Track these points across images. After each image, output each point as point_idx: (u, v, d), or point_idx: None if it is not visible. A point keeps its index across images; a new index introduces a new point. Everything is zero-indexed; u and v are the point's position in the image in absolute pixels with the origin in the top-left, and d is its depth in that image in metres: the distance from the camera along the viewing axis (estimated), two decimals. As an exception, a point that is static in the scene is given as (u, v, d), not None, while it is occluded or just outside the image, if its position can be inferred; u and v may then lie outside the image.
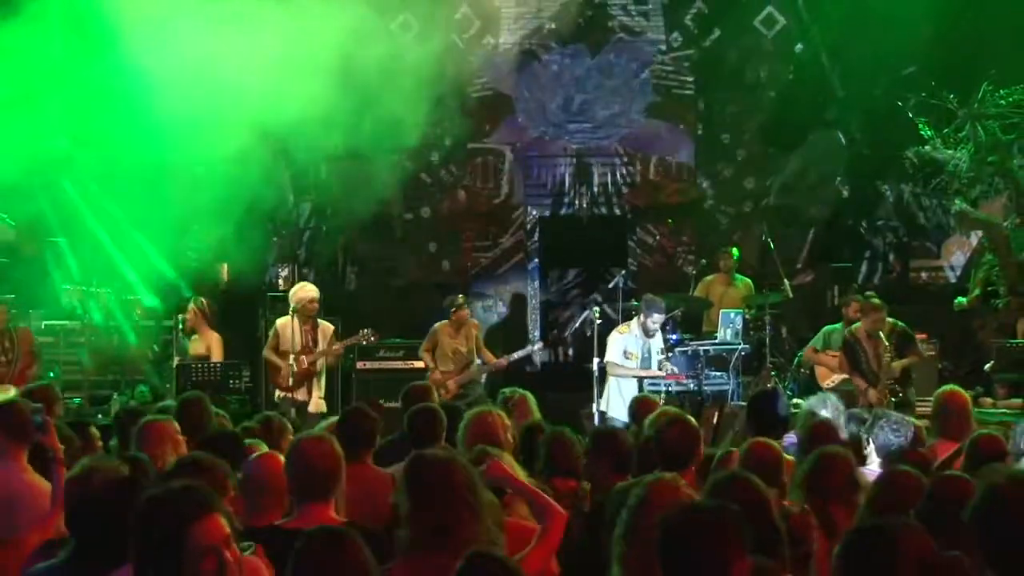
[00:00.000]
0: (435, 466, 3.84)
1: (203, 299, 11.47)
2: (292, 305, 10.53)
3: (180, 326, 11.30)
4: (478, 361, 11.00)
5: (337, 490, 4.31)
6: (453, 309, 11.07)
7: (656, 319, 10.43)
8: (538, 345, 12.31)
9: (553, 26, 15.21)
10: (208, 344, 11.03)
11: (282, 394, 10.44)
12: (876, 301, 10.09)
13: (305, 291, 10.62)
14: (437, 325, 11.16)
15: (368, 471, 5.41)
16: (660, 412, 6.20)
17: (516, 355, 11.31)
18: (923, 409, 8.56)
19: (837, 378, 10.49)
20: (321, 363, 10.57)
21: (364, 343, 11.12)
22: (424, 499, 3.74)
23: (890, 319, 9.96)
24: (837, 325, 10.95)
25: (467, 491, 3.76)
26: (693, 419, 5.56)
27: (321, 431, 5.23)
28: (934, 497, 3.86)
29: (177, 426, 5.58)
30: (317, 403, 10.37)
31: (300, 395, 10.33)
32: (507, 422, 5.62)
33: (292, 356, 10.31)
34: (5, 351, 10.69)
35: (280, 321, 10.69)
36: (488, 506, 3.86)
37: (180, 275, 13.30)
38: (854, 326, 10.12)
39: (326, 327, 10.65)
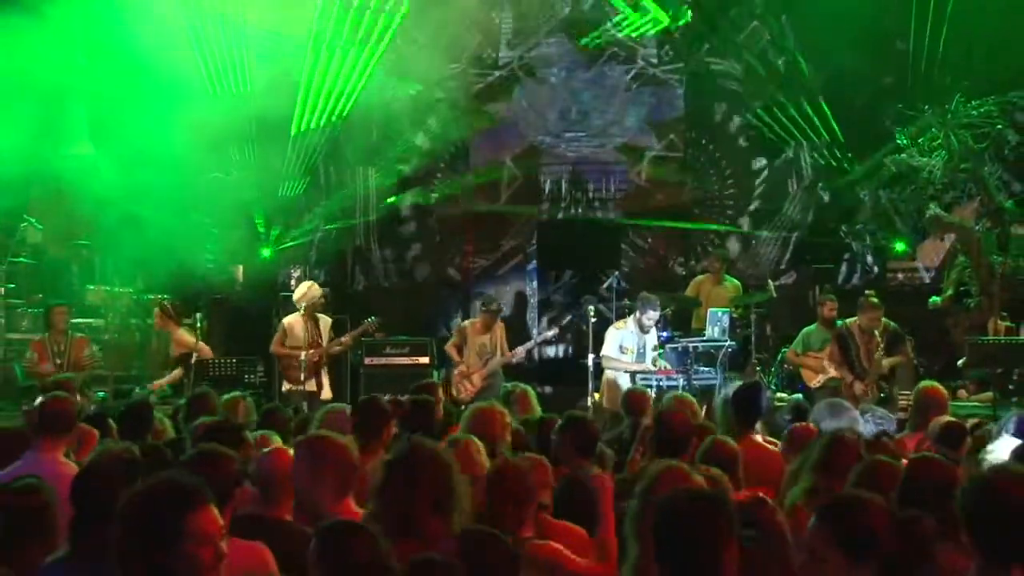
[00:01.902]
0: (410, 457, 3.73)
1: (165, 300, 11.52)
2: (304, 303, 10.58)
3: (200, 325, 11.29)
4: (497, 355, 11.05)
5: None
6: (483, 308, 11.20)
7: (651, 315, 10.47)
8: (551, 332, 12.24)
9: (550, 41, 15.25)
10: (179, 341, 11.09)
11: (291, 386, 10.46)
12: (875, 300, 10.09)
13: (315, 289, 10.76)
14: (466, 322, 11.36)
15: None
16: (636, 393, 6.29)
17: (524, 348, 11.36)
18: (905, 402, 8.59)
19: (822, 377, 10.48)
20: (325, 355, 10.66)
21: (370, 332, 11.15)
22: (386, 488, 3.64)
23: (883, 319, 10.00)
24: (812, 326, 10.96)
25: (431, 484, 3.62)
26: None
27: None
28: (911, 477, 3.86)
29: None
30: (328, 392, 10.43)
31: (310, 386, 10.38)
32: (507, 417, 5.61)
33: (304, 352, 10.36)
34: (60, 354, 10.70)
35: (287, 320, 10.72)
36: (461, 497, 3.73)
37: (198, 276, 13.35)
38: (849, 320, 10.13)
39: (325, 321, 10.76)
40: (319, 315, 10.71)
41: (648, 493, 3.44)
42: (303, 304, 10.56)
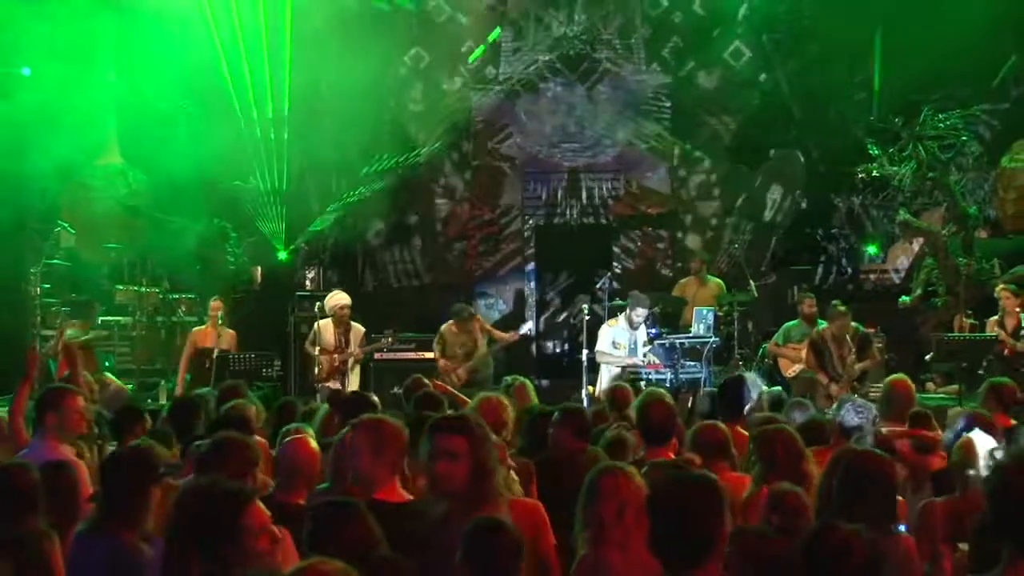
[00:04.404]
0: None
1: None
2: (326, 310, 10.65)
3: (220, 320, 11.25)
4: (483, 349, 10.94)
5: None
6: (454, 317, 11.02)
7: (640, 313, 10.46)
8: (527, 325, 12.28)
9: (547, 58, 15.23)
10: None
11: (319, 384, 10.54)
12: (842, 308, 10.05)
13: (337, 299, 10.74)
14: (443, 327, 11.06)
15: None
16: (645, 393, 6.26)
17: (522, 330, 11.46)
18: (875, 397, 8.54)
19: (797, 367, 10.49)
20: (351, 361, 10.64)
21: (385, 348, 11.13)
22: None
23: (852, 323, 9.96)
24: (794, 322, 10.95)
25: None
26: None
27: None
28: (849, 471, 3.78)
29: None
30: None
31: (333, 385, 10.38)
32: (510, 408, 5.58)
33: (321, 357, 10.46)
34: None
35: (321, 322, 10.74)
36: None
37: (219, 276, 13.34)
38: (821, 327, 10.08)
39: (358, 329, 10.72)
40: (353, 323, 10.69)
41: (591, 488, 3.47)
42: (328, 311, 10.64)
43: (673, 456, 4.94)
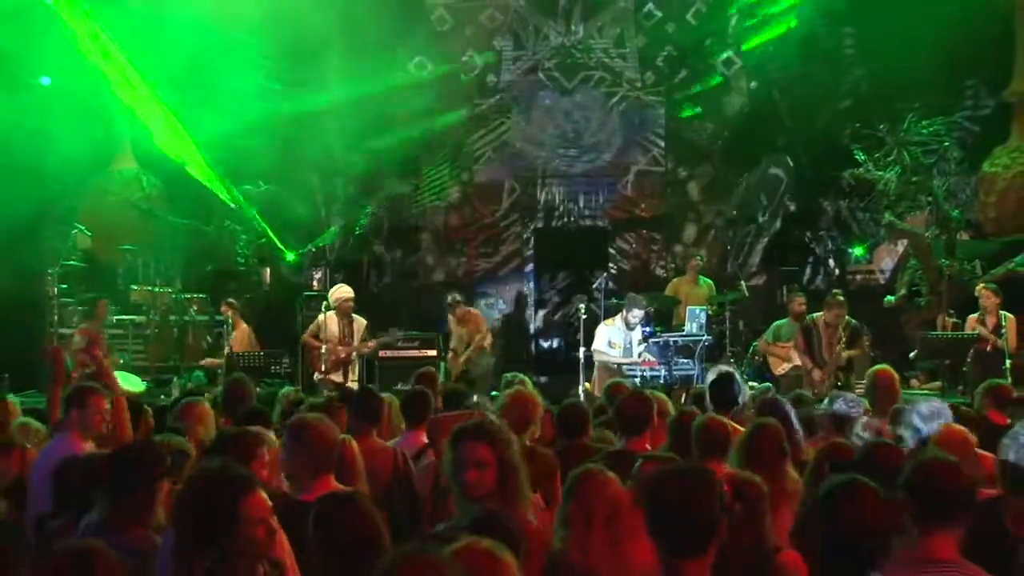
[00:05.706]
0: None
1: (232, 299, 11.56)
2: (331, 303, 10.56)
3: (230, 321, 11.26)
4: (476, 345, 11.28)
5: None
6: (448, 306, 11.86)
7: (636, 314, 10.50)
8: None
9: (546, 66, 15.28)
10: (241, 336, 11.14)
11: (319, 376, 10.43)
12: (840, 298, 10.08)
13: (342, 292, 10.65)
14: (451, 317, 11.74)
15: (372, 444, 5.18)
16: (615, 384, 6.32)
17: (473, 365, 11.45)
18: (861, 390, 8.58)
19: (787, 366, 10.51)
20: (354, 353, 10.62)
21: (395, 342, 11.15)
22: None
23: (846, 316, 10.01)
24: (784, 320, 10.98)
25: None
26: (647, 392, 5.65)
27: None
28: (865, 461, 3.79)
29: (207, 406, 5.59)
30: (351, 386, 10.36)
31: (336, 377, 10.31)
32: (540, 403, 5.58)
33: (326, 345, 10.33)
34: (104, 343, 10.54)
35: (324, 316, 10.70)
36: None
37: (230, 277, 13.38)
38: (816, 315, 10.11)
39: (360, 322, 10.66)
40: (355, 316, 10.64)
41: (571, 492, 3.45)
42: (332, 303, 10.55)
43: (649, 447, 4.99)
